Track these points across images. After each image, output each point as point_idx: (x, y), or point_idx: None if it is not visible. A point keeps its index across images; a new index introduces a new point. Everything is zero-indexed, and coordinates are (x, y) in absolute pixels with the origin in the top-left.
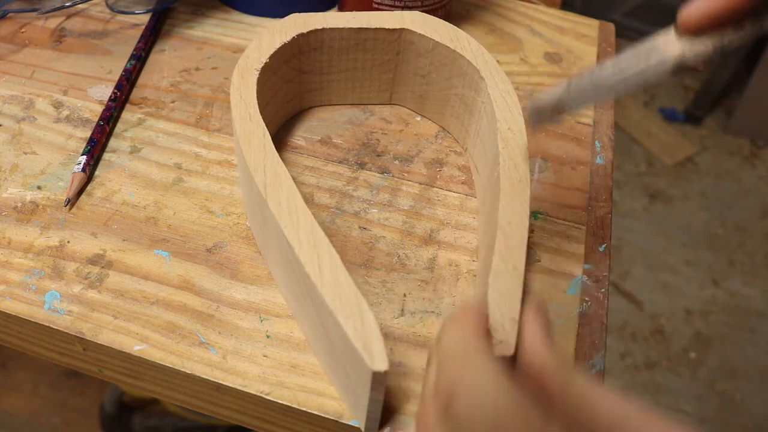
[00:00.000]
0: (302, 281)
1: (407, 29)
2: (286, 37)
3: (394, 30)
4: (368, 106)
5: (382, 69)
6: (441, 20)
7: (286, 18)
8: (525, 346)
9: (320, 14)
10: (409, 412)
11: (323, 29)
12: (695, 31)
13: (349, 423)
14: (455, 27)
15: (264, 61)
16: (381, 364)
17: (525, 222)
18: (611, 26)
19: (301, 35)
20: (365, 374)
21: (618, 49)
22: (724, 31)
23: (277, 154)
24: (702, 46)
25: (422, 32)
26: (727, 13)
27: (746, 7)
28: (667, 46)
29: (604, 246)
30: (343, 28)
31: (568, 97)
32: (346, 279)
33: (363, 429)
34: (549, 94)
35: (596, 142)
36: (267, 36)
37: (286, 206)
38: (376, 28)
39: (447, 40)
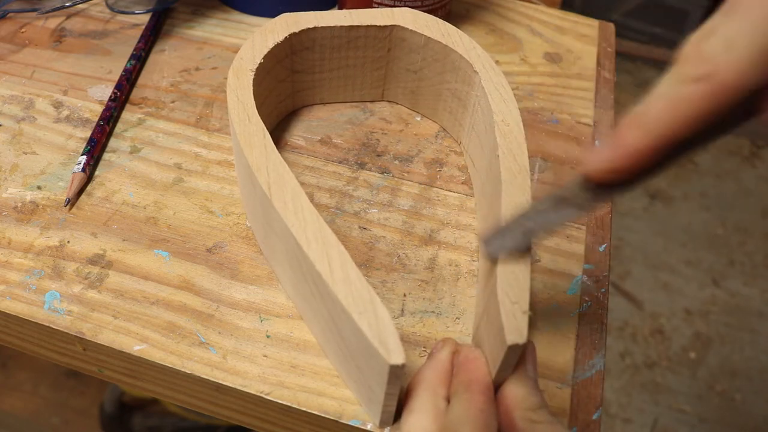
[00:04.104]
0: (312, 280)
1: (398, 26)
2: (279, 37)
3: (385, 27)
4: (368, 106)
5: (373, 66)
6: (431, 16)
7: (278, 18)
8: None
9: (311, 13)
10: None
11: (315, 28)
12: (600, 182)
13: (349, 423)
14: (446, 22)
15: (258, 62)
16: (398, 358)
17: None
18: (611, 26)
19: (293, 35)
20: (382, 369)
21: (618, 49)
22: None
23: (278, 154)
24: (609, 193)
25: (413, 28)
26: (632, 170)
27: (649, 164)
28: (578, 198)
29: (604, 246)
30: (334, 27)
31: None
32: (357, 275)
33: (378, 423)
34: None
35: (596, 142)
36: (259, 36)
37: (291, 206)
38: (368, 26)
39: (438, 36)
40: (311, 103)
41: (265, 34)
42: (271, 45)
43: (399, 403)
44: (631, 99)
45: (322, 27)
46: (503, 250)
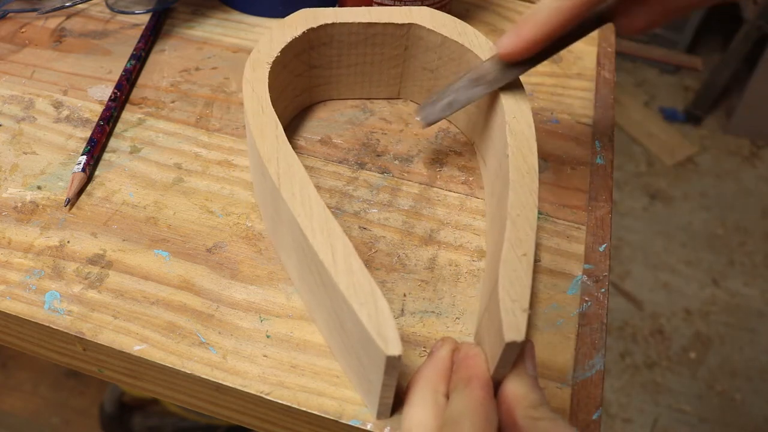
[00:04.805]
0: (316, 270)
1: (416, 24)
2: (297, 32)
3: (403, 25)
4: (368, 105)
5: (390, 64)
6: (449, 15)
7: (297, 13)
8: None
9: (330, 9)
10: None
11: (333, 24)
12: (510, 61)
13: (349, 423)
14: (463, 22)
15: (275, 55)
16: (395, 349)
17: (534, 212)
18: (611, 26)
19: (311, 30)
20: (379, 360)
21: (618, 49)
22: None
23: (289, 146)
24: (511, 71)
25: (431, 27)
26: (527, 53)
27: (546, 43)
28: (489, 75)
29: (604, 246)
30: (352, 23)
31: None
32: (360, 267)
33: (375, 415)
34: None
35: (596, 142)
36: (278, 30)
37: (299, 196)
38: (385, 23)
39: (455, 35)
40: (327, 98)
41: (284, 28)
42: (289, 39)
43: (398, 398)
44: (631, 99)
45: (340, 23)
46: (431, 116)
